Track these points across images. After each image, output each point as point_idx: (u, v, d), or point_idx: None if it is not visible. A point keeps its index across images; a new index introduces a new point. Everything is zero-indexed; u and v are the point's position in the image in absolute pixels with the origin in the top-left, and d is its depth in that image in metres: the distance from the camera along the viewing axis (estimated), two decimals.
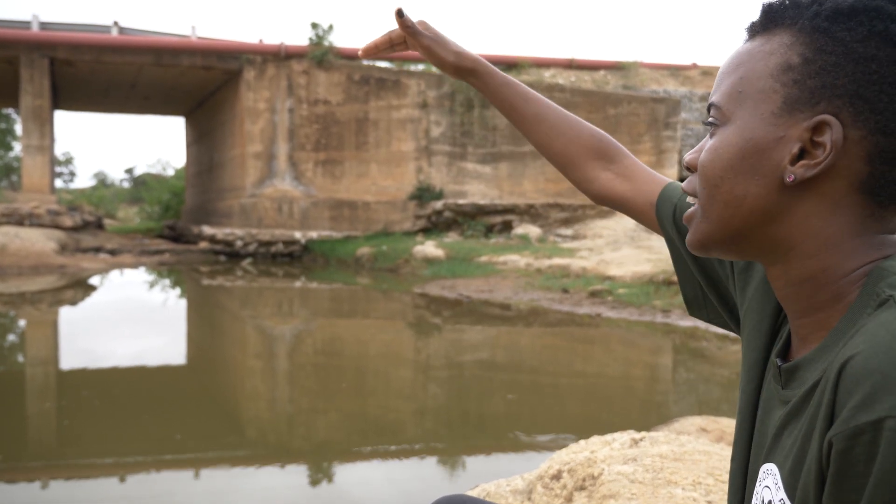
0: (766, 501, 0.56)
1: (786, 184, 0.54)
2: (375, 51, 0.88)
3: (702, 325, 5.99)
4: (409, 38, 0.86)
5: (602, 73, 15.63)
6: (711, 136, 0.58)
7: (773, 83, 0.55)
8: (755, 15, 0.59)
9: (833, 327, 0.54)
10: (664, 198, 0.80)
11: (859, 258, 0.54)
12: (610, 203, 0.84)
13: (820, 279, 0.55)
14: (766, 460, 0.57)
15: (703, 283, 0.75)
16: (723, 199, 0.57)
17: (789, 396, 0.55)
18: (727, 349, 5.22)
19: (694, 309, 0.79)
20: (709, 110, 0.59)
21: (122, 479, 2.71)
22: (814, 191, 0.54)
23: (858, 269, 0.53)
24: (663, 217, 0.80)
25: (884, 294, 0.50)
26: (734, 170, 0.56)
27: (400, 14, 0.84)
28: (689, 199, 0.62)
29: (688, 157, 0.61)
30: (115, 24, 14.75)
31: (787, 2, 0.56)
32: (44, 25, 14.63)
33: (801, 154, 0.53)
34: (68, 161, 46.80)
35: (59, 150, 48.96)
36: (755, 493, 0.58)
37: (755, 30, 0.58)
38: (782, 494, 0.54)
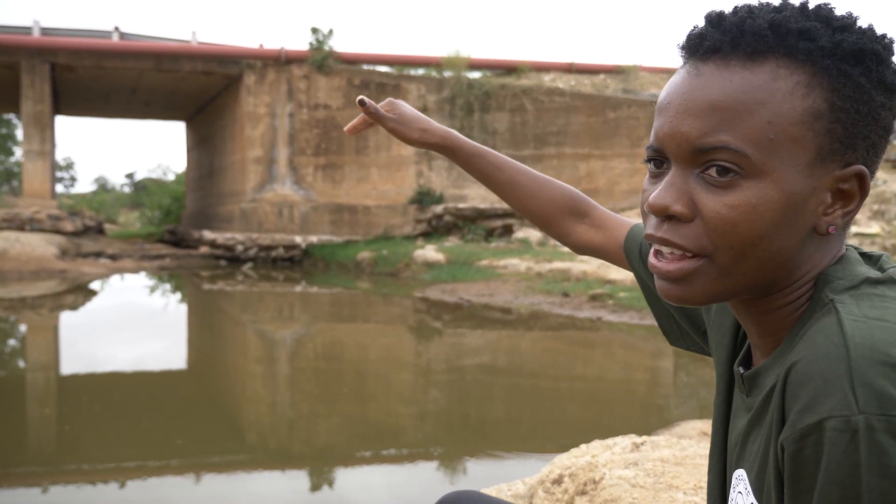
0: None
1: (820, 233, 0.53)
2: (356, 131, 0.95)
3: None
4: (376, 122, 0.91)
5: (602, 76, 15.66)
6: (724, 186, 0.51)
7: (806, 131, 0.51)
8: (707, 29, 0.53)
9: (788, 333, 0.56)
10: (630, 239, 0.84)
11: (817, 271, 0.55)
12: (588, 252, 0.88)
13: (793, 305, 0.56)
14: (737, 466, 0.58)
15: (676, 314, 0.77)
16: (757, 257, 0.52)
17: (752, 403, 0.57)
18: None
19: (672, 339, 0.81)
20: (704, 151, 0.51)
21: (123, 485, 2.70)
22: (825, 235, 0.54)
23: (812, 279, 0.55)
24: (631, 257, 0.83)
25: (826, 299, 0.52)
26: (777, 227, 0.51)
27: (362, 103, 0.90)
28: (664, 251, 0.55)
29: (673, 204, 0.53)
30: (116, 29, 14.79)
31: (776, 26, 0.51)
32: (45, 31, 14.67)
33: (830, 203, 0.53)
34: (69, 166, 46.87)
35: (60, 156, 49.06)
36: (730, 499, 0.59)
37: (730, 53, 0.52)
38: (752, 499, 0.55)
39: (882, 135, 0.53)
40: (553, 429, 3.57)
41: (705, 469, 1.52)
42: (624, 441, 1.75)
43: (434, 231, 13.90)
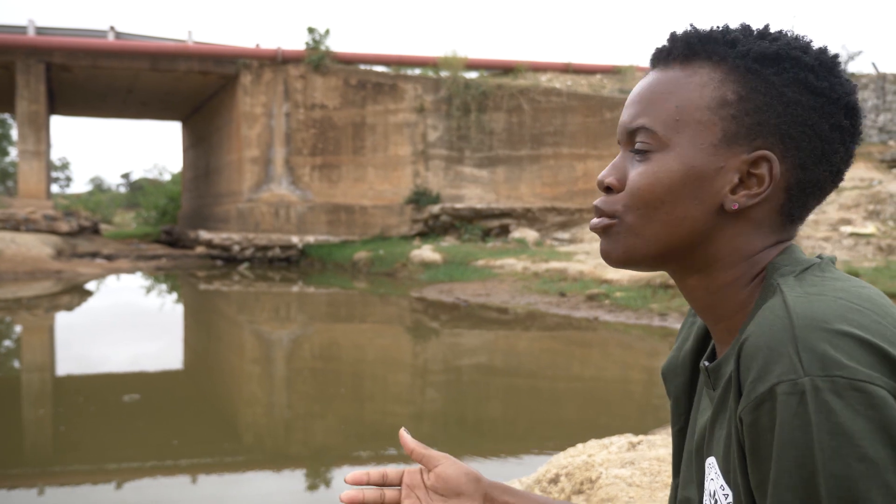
0: (712, 493, 0.60)
1: (726, 210, 0.59)
2: (366, 480, 0.77)
3: None
4: (418, 459, 0.76)
5: (598, 77, 15.68)
6: (641, 160, 0.61)
7: (711, 116, 0.59)
8: (665, 43, 0.64)
9: (742, 323, 0.60)
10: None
11: (765, 262, 0.61)
12: None
13: (734, 285, 0.61)
14: (707, 455, 0.61)
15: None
16: (661, 220, 0.60)
17: (716, 395, 0.60)
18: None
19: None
20: (631, 133, 0.62)
21: (119, 486, 2.69)
22: (744, 216, 0.60)
23: (762, 270, 0.60)
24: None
25: (774, 283, 0.57)
26: (675, 194, 0.59)
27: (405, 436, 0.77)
28: (596, 220, 0.64)
29: (607, 177, 0.63)
30: (112, 29, 14.75)
31: (705, 36, 0.61)
32: (40, 30, 14.63)
33: (739, 183, 0.59)
34: (65, 166, 46.74)
35: (56, 156, 48.88)
36: (705, 488, 0.62)
37: (671, 58, 0.62)
38: (721, 482, 0.58)
39: (804, 131, 0.58)
40: (550, 428, 3.57)
41: None
42: (620, 440, 1.75)
43: (431, 231, 13.90)
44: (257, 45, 14.67)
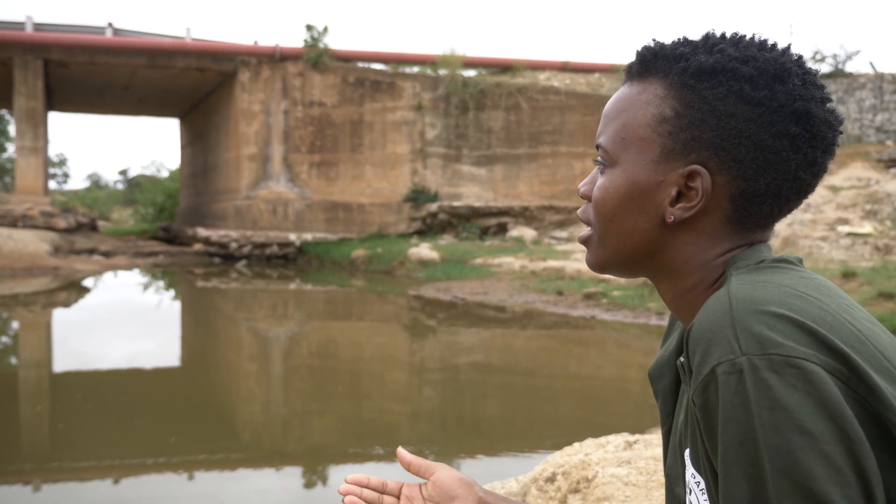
0: (688, 484, 0.61)
1: (666, 221, 0.62)
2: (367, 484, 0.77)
3: None
4: (415, 472, 0.77)
5: (597, 75, 15.68)
6: (602, 173, 0.65)
7: (651, 133, 0.62)
8: (632, 59, 0.66)
9: None
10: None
11: (711, 258, 0.63)
12: None
13: (695, 290, 0.64)
14: (684, 448, 0.63)
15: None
16: (615, 232, 0.64)
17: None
18: None
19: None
20: (598, 149, 0.67)
21: (116, 482, 2.70)
22: (690, 226, 0.62)
23: (704, 269, 0.63)
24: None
25: (728, 276, 0.59)
26: (623, 208, 0.63)
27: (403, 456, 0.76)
28: (583, 233, 0.69)
29: (582, 187, 0.68)
30: (110, 25, 14.71)
31: (658, 52, 0.63)
32: (38, 27, 14.59)
33: (679, 196, 0.62)
34: (62, 162, 46.63)
35: (53, 152, 48.77)
36: (685, 480, 0.63)
37: (632, 75, 0.65)
38: (692, 470, 0.59)
39: (743, 143, 0.59)
40: (547, 427, 3.58)
41: None
42: (617, 439, 1.76)
43: (429, 229, 13.90)
44: (255, 43, 14.64)
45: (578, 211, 0.69)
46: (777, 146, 0.59)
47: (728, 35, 0.64)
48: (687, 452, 0.61)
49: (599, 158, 0.66)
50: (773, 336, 0.49)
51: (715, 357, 0.50)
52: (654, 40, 0.66)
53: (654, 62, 0.63)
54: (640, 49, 0.66)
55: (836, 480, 0.47)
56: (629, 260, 0.65)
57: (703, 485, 0.57)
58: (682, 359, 0.65)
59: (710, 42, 0.63)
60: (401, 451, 0.78)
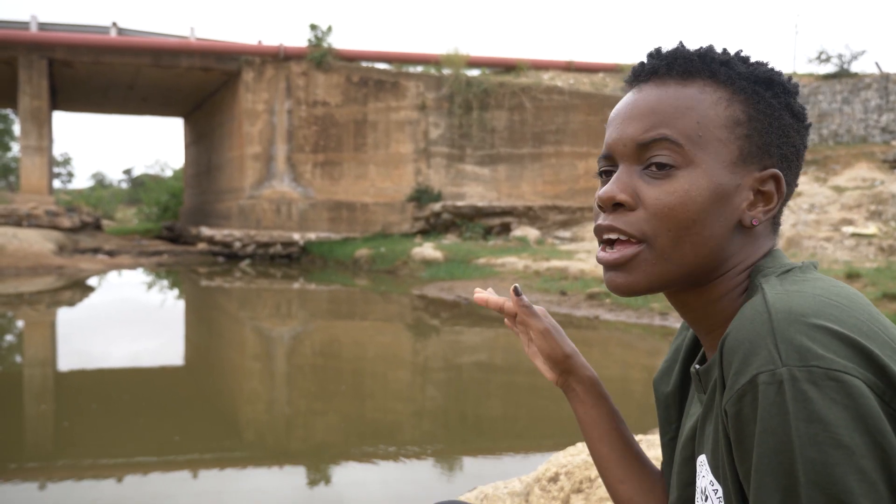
0: (702, 489, 0.61)
1: (744, 226, 0.61)
2: (487, 304, 0.82)
3: None
4: (525, 317, 0.80)
5: (601, 75, 15.66)
6: (662, 177, 0.59)
7: (728, 134, 0.60)
8: (650, 60, 0.64)
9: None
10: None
11: (749, 263, 0.63)
12: None
13: (730, 296, 0.62)
14: (698, 453, 0.63)
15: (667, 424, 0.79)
16: (692, 241, 0.59)
17: (705, 397, 0.62)
18: None
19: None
20: (644, 146, 0.60)
21: (120, 480, 2.71)
22: (749, 230, 0.62)
23: (744, 272, 0.62)
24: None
25: (757, 283, 0.59)
26: (706, 213, 0.59)
27: (517, 292, 0.80)
28: (612, 237, 0.61)
29: (618, 194, 0.60)
30: (114, 24, 14.75)
31: (703, 55, 0.62)
32: (42, 26, 14.63)
33: (752, 200, 0.62)
34: (66, 162, 46.77)
35: (58, 151, 48.91)
36: (696, 486, 0.63)
37: (667, 74, 0.62)
38: (711, 477, 0.59)
39: (793, 152, 0.63)
40: (550, 426, 3.58)
41: None
42: None
43: (432, 229, 13.90)
44: (259, 42, 14.66)
45: (612, 220, 0.61)
46: (802, 155, 0.64)
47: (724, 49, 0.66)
48: (703, 459, 0.61)
49: (662, 157, 0.59)
50: (814, 347, 0.49)
51: (754, 367, 0.50)
52: (681, 43, 0.65)
53: (702, 64, 0.62)
54: (669, 51, 0.64)
55: (871, 496, 0.46)
56: (689, 272, 0.60)
57: (720, 492, 0.57)
58: (696, 366, 0.65)
59: (726, 53, 0.64)
60: (515, 293, 0.80)
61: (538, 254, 10.36)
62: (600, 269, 8.70)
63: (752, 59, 0.64)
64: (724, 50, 0.65)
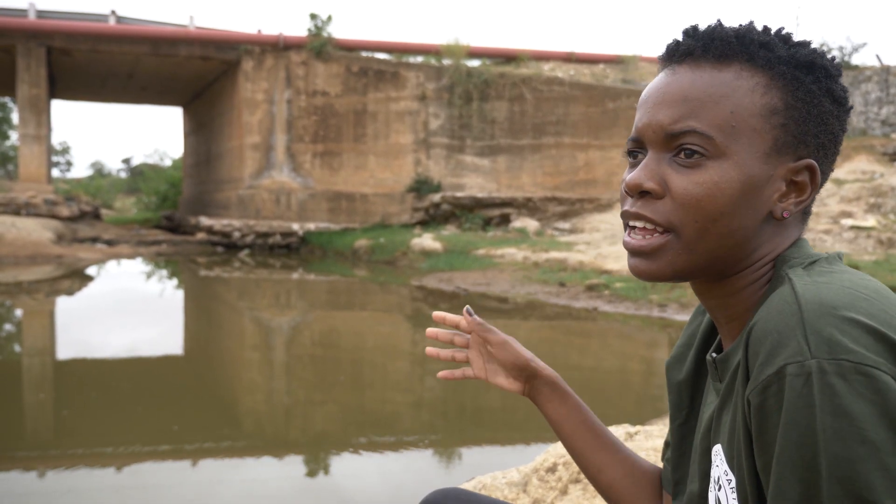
0: (716, 479, 0.60)
1: (775, 218, 0.60)
2: (444, 321, 0.90)
3: None
4: (482, 333, 0.86)
5: (601, 66, 15.60)
6: (691, 166, 0.58)
7: (763, 124, 0.58)
8: (686, 38, 0.61)
9: (752, 315, 0.60)
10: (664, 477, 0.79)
11: (775, 254, 0.62)
12: None
13: (754, 286, 0.61)
14: (714, 443, 0.62)
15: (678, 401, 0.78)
16: (719, 233, 0.58)
17: (722, 386, 0.61)
18: None
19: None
20: (674, 136, 0.58)
21: (119, 469, 2.71)
22: (779, 220, 0.60)
23: (771, 261, 0.61)
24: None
25: (783, 274, 0.58)
26: (735, 205, 0.58)
27: (469, 313, 0.86)
28: (637, 225, 0.60)
29: (646, 181, 0.59)
30: (113, 13, 14.66)
31: (741, 36, 0.59)
32: (41, 14, 14.55)
33: (784, 191, 0.60)
34: (65, 150, 46.63)
35: (56, 140, 48.76)
36: (710, 476, 0.63)
37: (702, 57, 0.59)
38: (725, 467, 0.59)
39: (831, 139, 0.60)
40: None
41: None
42: (618, 430, 1.76)
43: (431, 219, 13.89)
44: (259, 31, 14.59)
45: (640, 207, 0.60)
46: (840, 141, 0.61)
47: (763, 27, 0.62)
48: (718, 448, 0.60)
49: (693, 147, 0.58)
50: (844, 341, 0.48)
51: (782, 358, 0.49)
52: (719, 22, 0.62)
53: (740, 46, 0.59)
54: (706, 30, 0.61)
55: (893, 493, 0.46)
56: (714, 263, 0.60)
57: (734, 482, 0.56)
58: (712, 355, 0.64)
59: (776, 33, 0.61)
60: (467, 313, 0.87)
61: (537, 245, 10.36)
62: (599, 261, 8.70)
63: (794, 39, 0.61)
64: (765, 28, 0.61)
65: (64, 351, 5.09)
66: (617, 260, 8.63)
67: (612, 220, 12.51)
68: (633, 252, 0.61)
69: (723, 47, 0.59)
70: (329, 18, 14.38)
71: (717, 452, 0.61)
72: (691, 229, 0.58)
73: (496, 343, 0.84)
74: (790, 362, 0.49)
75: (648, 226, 0.60)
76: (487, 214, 13.81)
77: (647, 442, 1.63)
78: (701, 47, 0.60)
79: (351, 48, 14.45)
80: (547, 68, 15.05)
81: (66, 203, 14.43)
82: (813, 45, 0.61)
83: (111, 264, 11.19)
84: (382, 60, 14.31)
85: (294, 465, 2.89)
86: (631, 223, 0.62)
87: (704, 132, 0.57)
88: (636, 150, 0.63)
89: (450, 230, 13.04)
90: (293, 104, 14.09)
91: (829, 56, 0.61)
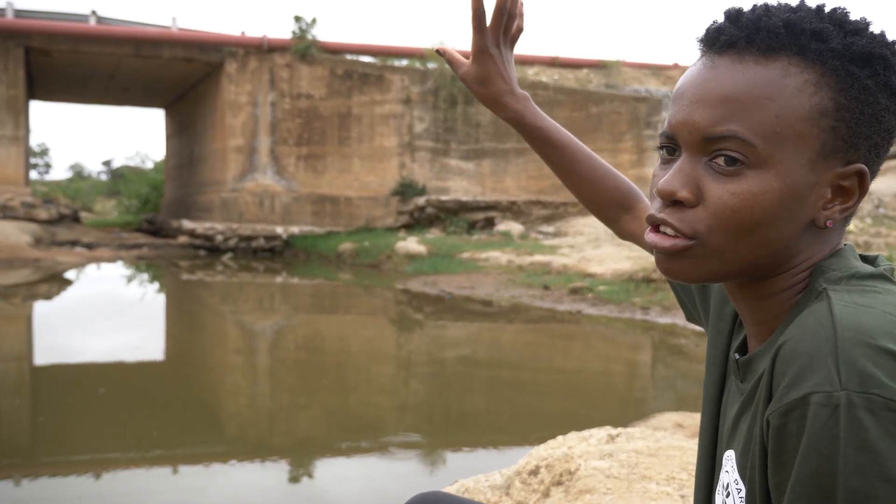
0: (725, 485, 0.59)
1: (817, 226, 0.55)
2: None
3: (680, 322, 6.05)
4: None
5: (585, 71, 15.71)
6: (729, 174, 0.54)
7: (811, 128, 0.53)
8: (727, 24, 0.56)
9: (782, 321, 0.58)
10: None
11: (813, 261, 0.58)
12: (629, 239, 0.90)
13: (790, 291, 0.58)
14: (727, 448, 0.61)
15: (691, 292, 0.79)
16: (751, 242, 0.55)
17: (745, 388, 0.59)
18: (704, 346, 5.29)
19: (688, 316, 0.83)
20: (711, 140, 0.54)
21: (98, 476, 2.67)
22: (824, 228, 0.56)
23: (806, 271, 0.58)
24: None
25: (820, 287, 0.54)
26: (773, 217, 0.54)
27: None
28: (668, 231, 0.57)
29: (679, 190, 0.55)
30: (94, 13, 14.50)
31: (791, 25, 0.54)
32: (19, 13, 14.35)
33: (829, 198, 0.55)
34: (44, 152, 46.00)
35: (35, 141, 48.07)
36: (719, 479, 0.61)
37: (746, 48, 0.54)
38: (736, 476, 0.57)
39: (885, 137, 0.56)
40: (531, 421, 3.60)
41: (678, 460, 1.54)
42: (600, 433, 1.77)
43: (416, 223, 13.89)
44: (243, 33, 14.51)
45: (667, 215, 0.56)
46: (893, 137, 0.56)
47: (818, 7, 0.56)
48: (731, 455, 0.59)
49: (732, 154, 0.53)
50: (878, 375, 0.46)
51: (810, 384, 0.47)
52: (765, 7, 0.55)
53: (789, 38, 0.53)
54: (751, 16, 0.55)
55: None
56: (746, 269, 0.56)
57: (744, 493, 0.55)
58: (736, 355, 0.62)
59: (822, 16, 0.55)
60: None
61: (522, 248, 10.39)
62: (583, 264, 8.75)
63: (850, 25, 0.54)
64: (819, 9, 0.55)
65: (41, 356, 5.01)
66: (600, 263, 8.68)
67: (595, 224, 12.59)
68: (658, 251, 0.58)
69: (769, 39, 0.53)
70: (314, 21, 14.34)
71: (729, 458, 0.59)
72: (720, 238, 0.55)
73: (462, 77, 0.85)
74: (817, 391, 0.46)
75: (670, 231, 0.57)
76: (472, 218, 13.83)
77: (629, 444, 1.64)
78: (745, 38, 0.54)
79: (336, 51, 14.41)
80: (531, 73, 15.13)
81: (45, 206, 14.22)
82: (872, 29, 0.55)
83: (91, 268, 11.04)
84: (367, 63, 14.29)
85: (277, 470, 2.87)
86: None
87: (746, 139, 0.53)
88: (669, 145, 0.58)
89: (434, 234, 13.04)
90: (277, 107, 14.02)
91: (890, 42, 0.55)
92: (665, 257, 0.58)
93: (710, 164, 0.55)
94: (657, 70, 16.26)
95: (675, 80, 15.84)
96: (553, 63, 15.81)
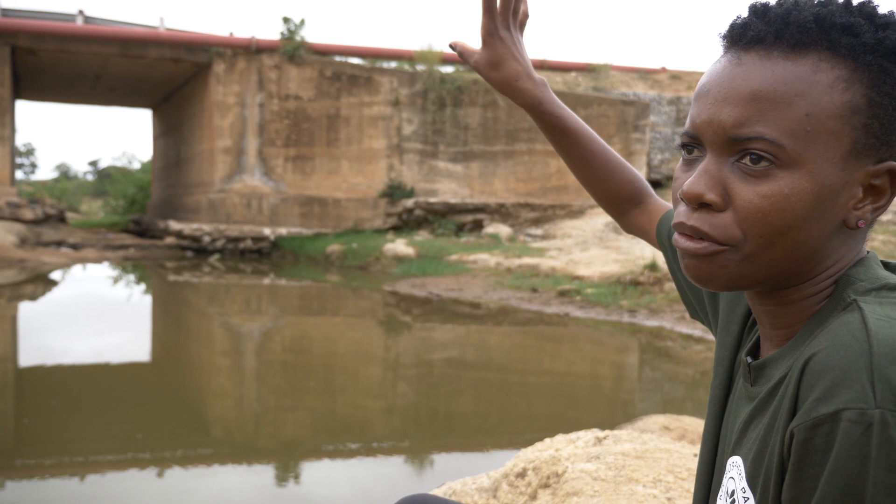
0: (729, 492, 0.58)
1: (849, 227, 0.54)
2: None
3: (667, 325, 6.09)
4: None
5: (573, 74, 15.78)
6: (758, 176, 0.52)
7: (842, 125, 0.51)
8: (753, 18, 0.54)
9: (802, 327, 0.56)
10: (661, 223, 0.85)
11: (839, 267, 0.56)
12: (635, 233, 0.91)
13: (813, 299, 0.56)
14: (733, 453, 0.59)
15: (695, 291, 0.78)
16: (783, 246, 0.53)
17: (756, 392, 0.57)
18: (692, 349, 5.32)
19: (692, 313, 0.82)
20: (739, 140, 0.52)
21: (82, 479, 2.65)
22: (854, 229, 0.54)
23: (831, 278, 0.56)
24: (661, 239, 0.84)
25: (849, 298, 0.53)
26: (805, 218, 0.52)
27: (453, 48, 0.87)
28: (696, 245, 0.55)
29: (706, 193, 0.53)
30: (81, 12, 14.38)
31: (822, 19, 0.52)
32: (5, 12, 14.20)
33: (860, 197, 0.54)
34: (30, 152, 45.50)
35: (21, 141, 47.57)
36: (721, 484, 0.60)
37: (774, 43, 0.52)
38: (744, 484, 0.56)
39: None
40: (519, 423, 3.60)
41: (665, 463, 1.55)
42: (587, 435, 1.78)
43: (404, 225, 13.88)
44: (231, 34, 14.44)
45: (697, 221, 0.54)
46: None
47: None
48: (737, 461, 0.58)
49: (763, 152, 0.51)
50: None
51: (842, 400, 0.45)
52: (790, 0, 0.53)
53: (820, 32, 0.51)
54: (780, 10, 0.53)
55: None
56: (782, 275, 0.55)
57: (752, 501, 0.54)
58: (748, 358, 0.61)
59: (851, 10, 0.53)
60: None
61: (510, 251, 10.41)
62: (571, 267, 8.78)
63: (881, 19, 0.53)
64: (848, 3, 0.53)
65: (25, 357, 4.95)
66: (588, 266, 8.72)
67: (583, 227, 12.65)
68: (688, 255, 0.55)
69: (799, 34, 0.52)
70: (302, 22, 14.30)
71: (734, 464, 0.58)
72: (754, 243, 0.53)
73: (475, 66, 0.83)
74: (850, 407, 0.45)
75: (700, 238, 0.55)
76: (460, 220, 13.84)
77: (616, 446, 1.65)
78: (773, 33, 0.52)
79: (324, 52, 14.38)
80: None
81: (30, 206, 14.07)
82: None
83: (77, 269, 10.93)
84: (356, 65, 14.27)
85: (262, 472, 2.86)
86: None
87: (775, 140, 0.51)
88: (692, 144, 0.56)
89: (423, 235, 13.03)
90: (265, 108, 13.97)
91: None
92: (695, 261, 0.55)
93: (737, 164, 0.53)
94: (645, 74, 16.36)
95: (662, 84, 15.95)
96: (541, 66, 15.86)
